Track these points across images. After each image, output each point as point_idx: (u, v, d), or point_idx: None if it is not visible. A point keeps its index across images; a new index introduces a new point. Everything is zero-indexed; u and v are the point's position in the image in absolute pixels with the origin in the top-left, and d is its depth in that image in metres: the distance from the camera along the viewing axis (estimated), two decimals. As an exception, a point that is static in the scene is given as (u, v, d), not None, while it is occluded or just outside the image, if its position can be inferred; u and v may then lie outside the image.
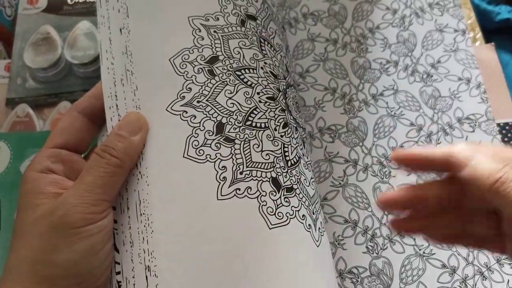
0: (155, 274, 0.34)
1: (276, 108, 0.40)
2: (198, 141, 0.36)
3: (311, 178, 0.41)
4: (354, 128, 0.56)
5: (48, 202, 0.34)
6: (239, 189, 0.36)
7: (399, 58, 0.59)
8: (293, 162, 0.39)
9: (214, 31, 0.40)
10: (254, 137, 0.38)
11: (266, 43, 0.43)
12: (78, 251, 0.33)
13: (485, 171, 0.33)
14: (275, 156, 0.38)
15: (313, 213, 0.39)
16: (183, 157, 0.36)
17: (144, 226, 0.35)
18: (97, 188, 0.34)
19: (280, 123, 0.40)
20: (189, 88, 0.38)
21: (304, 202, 0.38)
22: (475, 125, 0.55)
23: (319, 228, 0.39)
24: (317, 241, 0.38)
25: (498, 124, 0.55)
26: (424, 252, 0.50)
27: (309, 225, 0.38)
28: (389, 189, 0.53)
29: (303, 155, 0.41)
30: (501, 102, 0.57)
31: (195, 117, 0.37)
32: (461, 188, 0.36)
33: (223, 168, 0.36)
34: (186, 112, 0.37)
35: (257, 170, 0.37)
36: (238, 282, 0.34)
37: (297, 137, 0.41)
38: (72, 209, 0.33)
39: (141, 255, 0.34)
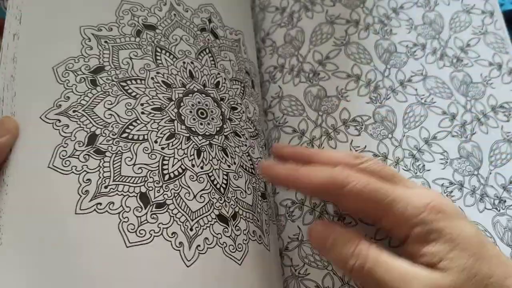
0: None
1: (162, 119, 0.36)
2: (66, 151, 0.33)
3: (201, 190, 0.35)
4: (382, 119, 0.45)
5: None
6: (101, 204, 0.32)
7: (426, 41, 0.49)
8: (172, 176, 0.34)
9: (105, 41, 0.37)
10: (128, 149, 0.34)
11: (163, 52, 0.38)
12: None
13: None
14: (149, 170, 0.34)
15: (191, 229, 0.34)
16: (48, 167, 0.32)
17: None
18: None
19: (164, 134, 0.35)
20: (67, 97, 0.34)
21: (179, 218, 0.33)
22: (510, 114, 0.46)
23: (198, 246, 0.33)
24: (188, 261, 0.33)
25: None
26: None
27: (180, 243, 0.33)
28: (424, 184, 0.43)
29: (194, 166, 0.36)
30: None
31: (68, 126, 0.33)
32: None
33: (88, 181, 0.32)
34: (60, 121, 0.33)
35: (124, 185, 0.33)
36: None
37: (188, 148, 0.36)
38: None
39: None
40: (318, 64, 0.47)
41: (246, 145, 0.40)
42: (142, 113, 0.35)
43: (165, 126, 0.36)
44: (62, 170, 0.32)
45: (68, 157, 0.32)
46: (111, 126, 0.34)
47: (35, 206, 0.31)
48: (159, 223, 0.33)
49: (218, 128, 0.38)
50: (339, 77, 0.47)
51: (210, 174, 0.36)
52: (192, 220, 0.34)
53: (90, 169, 0.33)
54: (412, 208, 0.31)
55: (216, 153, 0.37)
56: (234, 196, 0.37)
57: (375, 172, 0.34)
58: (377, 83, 0.46)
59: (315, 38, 0.49)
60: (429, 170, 0.43)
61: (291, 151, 0.39)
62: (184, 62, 0.39)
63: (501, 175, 0.44)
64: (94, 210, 0.32)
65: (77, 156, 0.33)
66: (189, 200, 0.34)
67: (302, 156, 0.37)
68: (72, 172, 0.32)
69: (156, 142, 0.35)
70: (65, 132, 0.33)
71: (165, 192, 0.34)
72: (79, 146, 0.33)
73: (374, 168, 0.35)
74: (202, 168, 0.36)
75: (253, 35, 0.50)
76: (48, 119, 0.33)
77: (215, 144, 0.37)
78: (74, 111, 0.34)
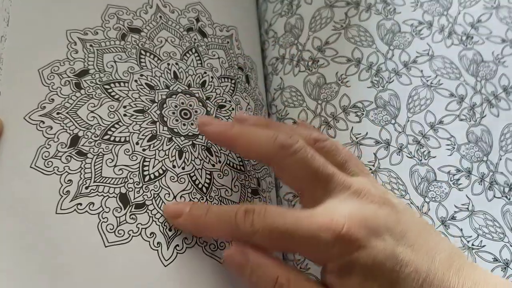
0: None
1: (144, 121, 0.36)
2: (49, 152, 0.33)
3: (182, 190, 0.35)
4: (385, 103, 0.42)
5: None
6: (81, 204, 0.32)
7: (433, 18, 0.45)
8: (152, 177, 0.34)
9: (90, 45, 0.36)
10: (110, 151, 0.34)
11: (148, 54, 0.38)
12: None
13: None
14: (129, 171, 0.34)
15: (170, 229, 0.33)
16: (30, 167, 0.32)
17: None
18: None
19: (146, 136, 0.35)
20: (52, 99, 0.34)
21: (158, 219, 0.33)
22: None
23: (177, 246, 0.33)
24: (166, 260, 0.32)
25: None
26: (473, 245, 0.38)
27: (158, 243, 0.33)
28: (429, 172, 0.40)
29: (175, 166, 0.35)
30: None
31: (52, 128, 0.34)
32: None
33: (69, 182, 0.32)
34: (43, 123, 0.34)
35: (104, 186, 0.33)
36: None
37: (169, 149, 0.36)
38: None
39: None
40: (317, 51, 0.45)
41: None
42: (125, 115, 0.35)
43: (147, 128, 0.35)
44: (44, 170, 0.32)
45: (51, 158, 0.33)
46: (94, 128, 0.34)
47: (16, 205, 0.31)
48: (138, 224, 0.32)
49: (194, 129, 0.38)
50: (339, 62, 0.44)
51: (192, 174, 0.36)
52: None
53: (71, 170, 0.33)
54: (322, 243, 0.28)
55: (199, 152, 0.37)
56: (217, 195, 0.36)
57: (328, 152, 0.34)
58: (379, 66, 0.43)
59: (314, 24, 0.46)
60: (434, 157, 0.40)
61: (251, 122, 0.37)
62: (168, 64, 0.38)
63: (512, 161, 0.41)
64: (75, 210, 0.32)
65: (59, 157, 0.33)
66: (168, 200, 0.34)
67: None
68: (54, 172, 0.32)
69: (137, 143, 0.35)
70: (49, 134, 0.33)
71: (144, 193, 0.33)
72: (62, 148, 0.33)
73: (328, 148, 0.34)
74: (183, 168, 0.35)
75: (255, 28, 0.49)
76: (32, 120, 0.33)
77: (199, 144, 0.37)
78: (58, 113, 0.34)
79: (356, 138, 0.41)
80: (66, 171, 0.32)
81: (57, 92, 0.34)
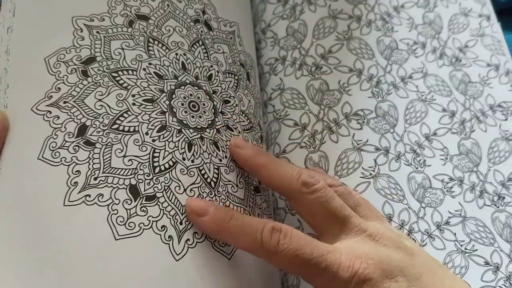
0: None
1: (153, 111, 0.34)
2: (56, 143, 0.31)
3: (191, 184, 0.34)
4: (384, 113, 0.45)
5: None
6: (89, 196, 0.30)
7: (426, 40, 0.49)
8: (162, 168, 0.33)
9: (97, 32, 0.35)
10: (119, 141, 0.32)
11: (156, 42, 0.37)
12: None
13: None
14: (139, 162, 0.32)
15: (181, 223, 0.32)
16: (38, 158, 0.31)
17: None
18: None
19: (155, 126, 0.34)
20: (58, 88, 0.33)
21: (169, 212, 0.32)
22: (507, 113, 0.46)
23: (188, 240, 0.32)
24: (177, 254, 0.31)
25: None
26: (466, 249, 0.40)
27: (169, 236, 0.31)
28: (425, 179, 0.43)
29: (185, 159, 0.34)
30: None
31: (59, 117, 0.32)
32: None
33: (77, 173, 0.31)
34: (50, 112, 0.32)
35: (114, 177, 0.31)
36: None
37: (179, 140, 0.34)
38: None
39: None
40: (321, 58, 0.47)
41: None
42: (133, 104, 0.34)
43: (156, 118, 0.34)
44: (52, 161, 0.31)
45: (58, 148, 0.31)
46: (102, 117, 0.33)
47: (25, 198, 0.30)
48: (149, 216, 0.31)
49: (209, 122, 0.37)
50: (342, 71, 0.46)
51: (201, 168, 0.35)
52: (182, 214, 0.32)
53: (79, 160, 0.31)
54: (339, 280, 0.29)
55: (207, 146, 0.36)
56: (225, 190, 0.35)
57: (342, 196, 0.35)
58: (379, 78, 0.46)
59: (318, 32, 0.48)
60: (429, 165, 0.43)
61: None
62: (176, 54, 0.37)
63: (499, 172, 0.43)
64: (83, 202, 0.30)
65: (66, 148, 0.31)
66: (179, 193, 0.33)
67: None
68: (62, 163, 0.31)
69: (147, 134, 0.33)
70: (55, 123, 0.32)
71: (155, 185, 0.32)
72: (69, 137, 0.32)
73: (342, 192, 0.35)
74: (193, 161, 0.34)
75: (251, 26, 0.48)
76: (39, 110, 0.32)
77: (207, 138, 0.36)
78: (64, 102, 0.32)
79: (358, 144, 0.43)
80: (74, 162, 0.31)
81: (64, 80, 0.33)
